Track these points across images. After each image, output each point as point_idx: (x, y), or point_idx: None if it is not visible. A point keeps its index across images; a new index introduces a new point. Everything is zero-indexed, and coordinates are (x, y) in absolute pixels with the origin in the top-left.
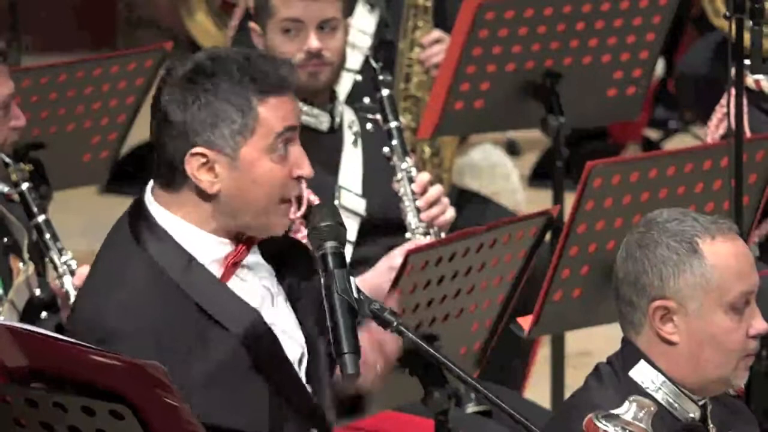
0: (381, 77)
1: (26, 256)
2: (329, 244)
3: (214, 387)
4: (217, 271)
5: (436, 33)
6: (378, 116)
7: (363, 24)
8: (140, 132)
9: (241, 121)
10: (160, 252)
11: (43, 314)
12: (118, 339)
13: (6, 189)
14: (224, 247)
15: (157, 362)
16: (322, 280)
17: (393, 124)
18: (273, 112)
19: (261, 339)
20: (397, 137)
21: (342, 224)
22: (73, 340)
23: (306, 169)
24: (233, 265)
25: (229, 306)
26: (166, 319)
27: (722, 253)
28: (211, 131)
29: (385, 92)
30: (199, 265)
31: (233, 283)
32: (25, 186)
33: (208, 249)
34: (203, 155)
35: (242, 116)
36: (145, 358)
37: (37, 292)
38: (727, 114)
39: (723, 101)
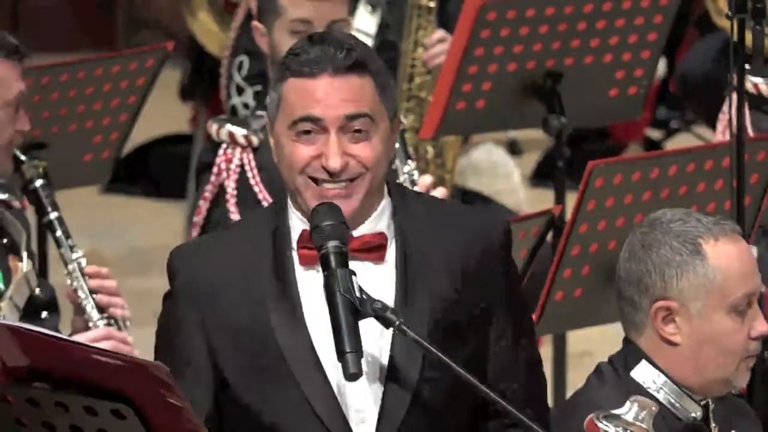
0: None
1: (24, 254)
2: (331, 244)
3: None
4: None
5: (439, 33)
6: None
7: (364, 25)
8: (142, 132)
9: (275, 96)
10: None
11: (44, 314)
12: None
13: (5, 196)
14: (303, 224)
15: (161, 363)
16: (324, 280)
17: None
18: (291, 94)
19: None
20: (399, 141)
21: (344, 223)
22: (73, 339)
23: (331, 162)
24: (302, 248)
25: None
26: None
27: (725, 254)
28: (270, 105)
29: None
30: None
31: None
32: (38, 183)
33: (294, 223)
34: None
35: (275, 90)
36: None
37: (37, 291)
38: (729, 118)
39: (725, 108)
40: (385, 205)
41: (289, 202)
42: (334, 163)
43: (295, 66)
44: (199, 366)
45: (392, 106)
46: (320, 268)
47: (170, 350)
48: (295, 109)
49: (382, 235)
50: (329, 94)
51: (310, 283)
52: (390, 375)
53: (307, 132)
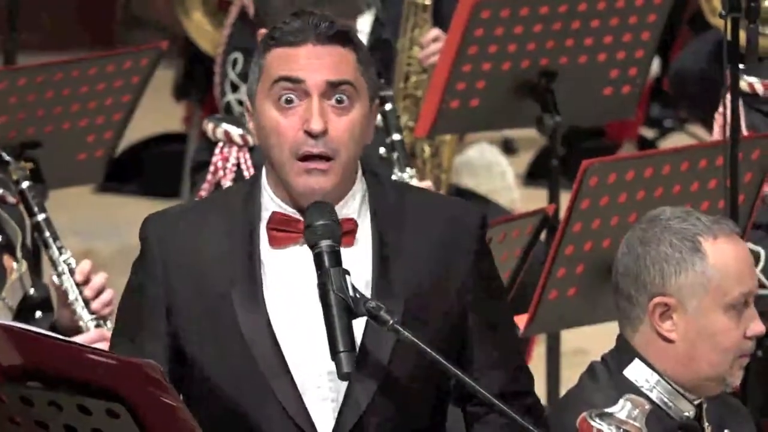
0: (382, 93)
1: (19, 254)
2: (324, 243)
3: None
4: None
5: (435, 32)
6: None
7: (359, 23)
8: (136, 131)
9: (256, 70)
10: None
11: (38, 314)
12: None
13: (0, 191)
14: (274, 206)
15: (154, 362)
16: (318, 279)
17: (395, 137)
18: (273, 61)
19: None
20: (399, 150)
21: (337, 222)
22: (68, 339)
23: (312, 124)
24: (273, 229)
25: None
26: None
27: (724, 253)
28: (250, 85)
29: (387, 107)
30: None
31: (277, 252)
32: (25, 184)
33: (265, 201)
34: (247, 108)
35: (257, 65)
36: None
37: (31, 291)
38: (723, 116)
39: (722, 108)
40: (357, 188)
41: (263, 180)
42: (316, 125)
43: (278, 36)
44: (157, 339)
45: (373, 86)
46: (289, 249)
47: (131, 318)
48: (275, 71)
49: (351, 221)
50: (312, 61)
51: (276, 264)
52: (358, 361)
53: (289, 101)
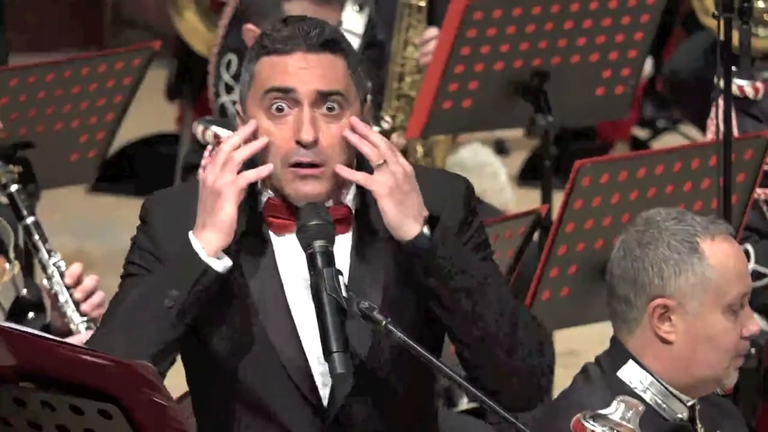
0: None
1: (12, 255)
2: (318, 243)
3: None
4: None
5: (432, 31)
6: None
7: (352, 24)
8: (128, 131)
9: (247, 77)
10: None
11: (30, 314)
12: None
13: None
14: (266, 192)
15: (148, 363)
16: (310, 279)
17: None
18: (264, 69)
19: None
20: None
21: (330, 223)
22: (61, 339)
23: (303, 134)
24: (270, 216)
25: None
26: None
27: (722, 254)
28: (241, 89)
29: None
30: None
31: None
32: (14, 188)
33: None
34: (237, 112)
35: (247, 71)
36: None
37: (24, 291)
38: (716, 120)
39: (713, 114)
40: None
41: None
42: (307, 135)
43: (268, 44)
44: None
45: (363, 88)
46: (291, 236)
47: (130, 281)
48: (266, 81)
49: (345, 209)
50: (302, 69)
51: (283, 248)
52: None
53: (280, 110)
